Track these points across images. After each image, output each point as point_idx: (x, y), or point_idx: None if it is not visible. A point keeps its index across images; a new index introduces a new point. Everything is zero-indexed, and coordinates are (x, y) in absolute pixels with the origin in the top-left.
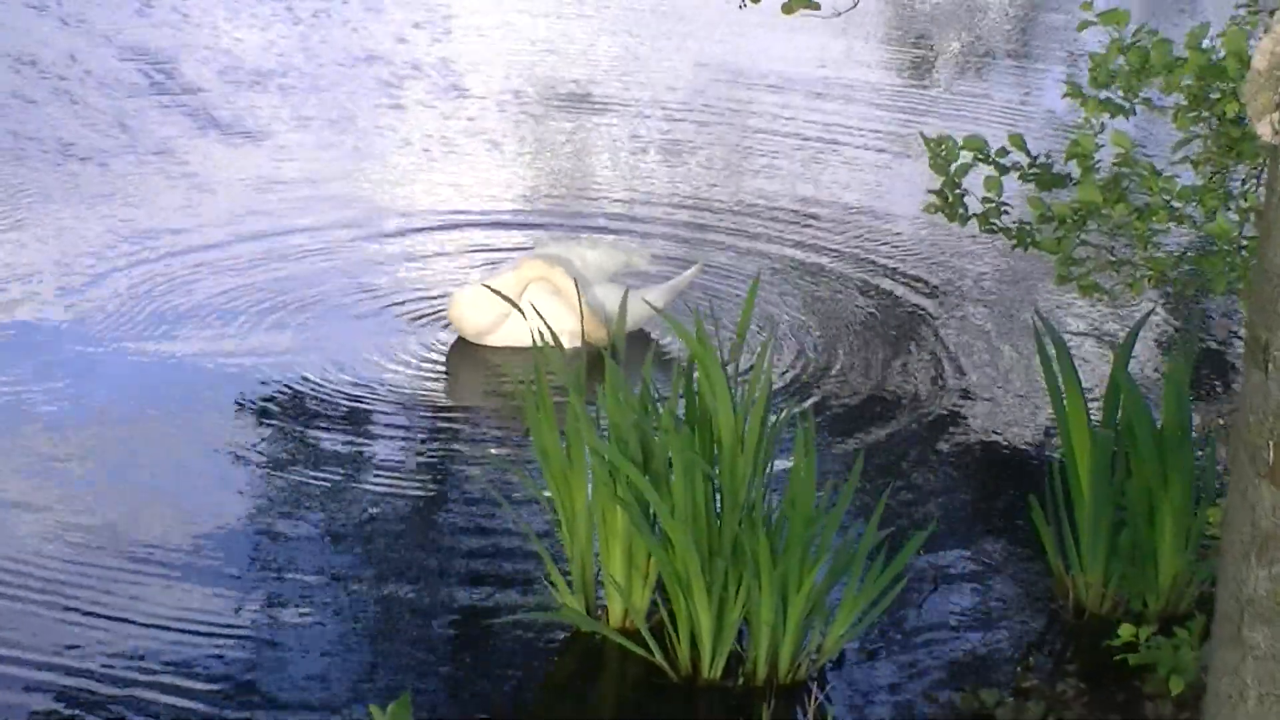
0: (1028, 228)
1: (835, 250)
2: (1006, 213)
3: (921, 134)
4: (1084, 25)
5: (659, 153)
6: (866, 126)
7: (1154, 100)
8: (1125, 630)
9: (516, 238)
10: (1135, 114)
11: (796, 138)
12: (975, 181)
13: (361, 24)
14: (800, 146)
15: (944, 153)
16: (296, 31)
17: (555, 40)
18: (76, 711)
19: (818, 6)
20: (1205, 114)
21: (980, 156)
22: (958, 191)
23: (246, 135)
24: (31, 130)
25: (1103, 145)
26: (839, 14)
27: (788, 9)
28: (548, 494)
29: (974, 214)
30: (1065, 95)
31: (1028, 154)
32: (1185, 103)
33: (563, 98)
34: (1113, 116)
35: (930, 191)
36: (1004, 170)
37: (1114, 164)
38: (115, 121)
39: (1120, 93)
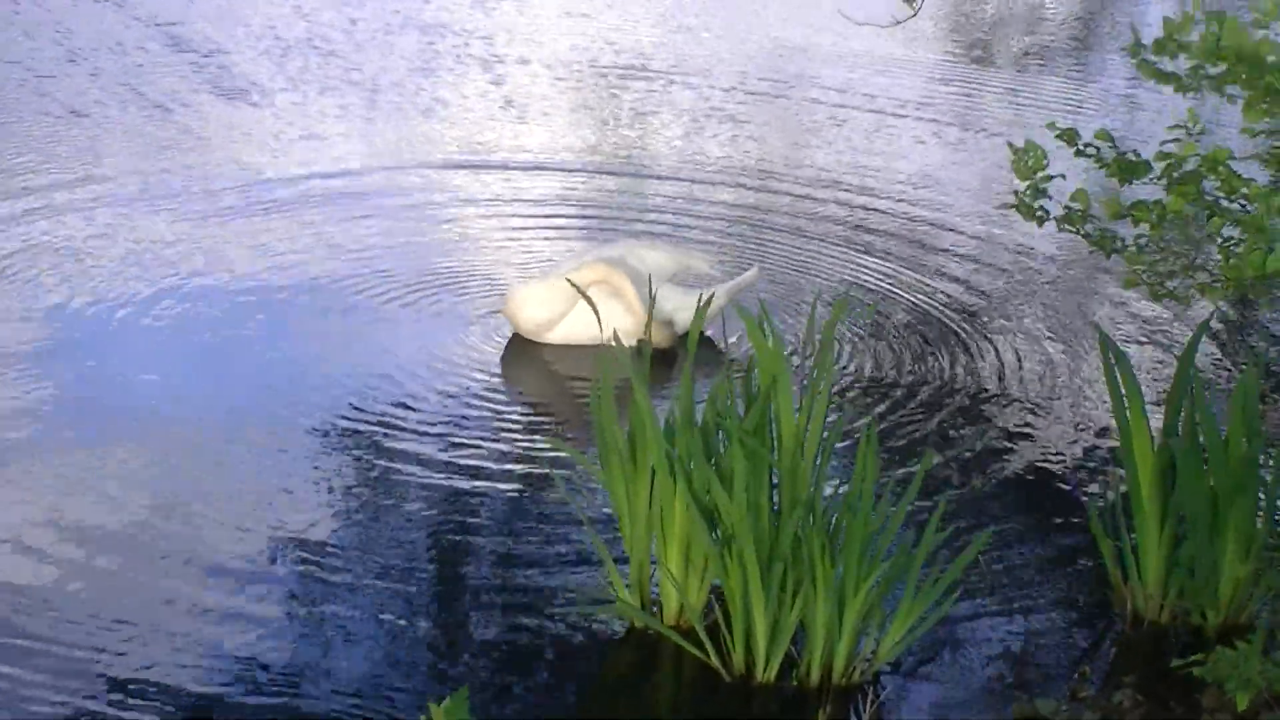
0: (1110, 234)
1: (892, 250)
2: (1092, 219)
3: (1009, 144)
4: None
5: (698, 120)
6: (925, 101)
7: (1228, 89)
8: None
9: (534, 194)
10: (1199, 92)
11: (854, 110)
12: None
13: None
14: (856, 120)
15: (1030, 160)
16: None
17: (610, 15)
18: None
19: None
20: (1276, 112)
21: (1077, 149)
22: (1040, 197)
23: (269, 99)
24: (65, 95)
25: (1199, 154)
26: (899, 22)
27: None
28: (608, 491)
29: (1055, 216)
30: (1128, 53)
31: (1114, 147)
32: (1254, 94)
33: (612, 69)
34: (1177, 91)
35: (1014, 193)
36: (1100, 161)
37: (1200, 169)
38: (155, 99)
39: (1185, 69)
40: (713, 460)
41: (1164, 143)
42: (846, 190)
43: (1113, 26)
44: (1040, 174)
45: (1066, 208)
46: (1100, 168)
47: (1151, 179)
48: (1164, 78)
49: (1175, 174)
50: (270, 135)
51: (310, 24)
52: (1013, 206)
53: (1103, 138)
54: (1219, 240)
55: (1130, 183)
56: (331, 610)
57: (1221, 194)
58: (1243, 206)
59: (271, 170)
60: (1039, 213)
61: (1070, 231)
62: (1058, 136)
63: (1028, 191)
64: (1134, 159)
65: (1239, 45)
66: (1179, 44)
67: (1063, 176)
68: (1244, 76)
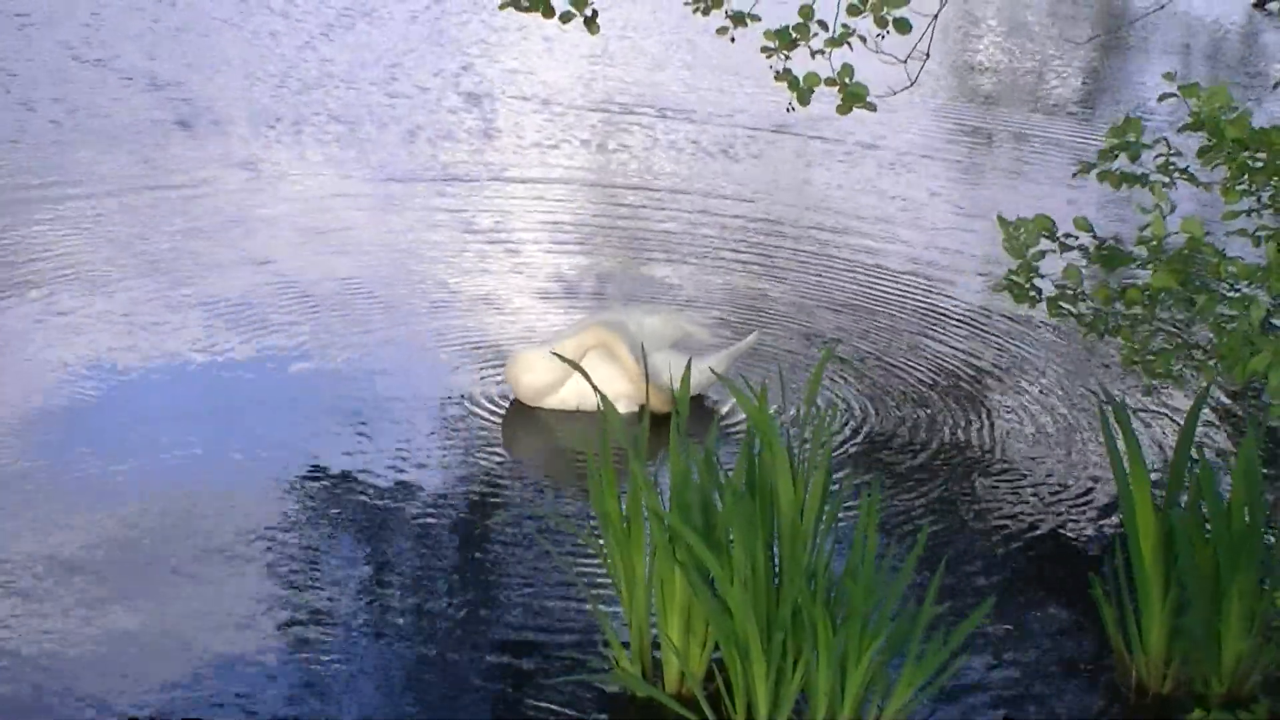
0: (1104, 315)
1: (892, 300)
2: (1083, 299)
3: (999, 216)
4: (1164, 97)
5: (672, 151)
6: (922, 145)
7: (1199, 175)
8: (1197, 714)
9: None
10: (1175, 187)
11: (850, 146)
12: (1045, 263)
13: (389, 29)
14: (857, 167)
15: (1021, 236)
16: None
17: (602, 58)
18: None
19: (874, 108)
20: (1253, 187)
21: (1048, 235)
22: (1032, 276)
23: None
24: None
25: (1174, 233)
26: (894, 93)
27: (843, 109)
28: (607, 558)
29: (1047, 297)
30: (1076, 174)
31: (1094, 236)
32: (1230, 174)
33: (606, 108)
34: (1148, 189)
35: (1010, 273)
36: (1066, 248)
37: (1184, 250)
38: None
39: (1155, 166)
40: (710, 526)
41: (1142, 228)
42: (843, 234)
43: (1119, 85)
44: (1032, 250)
45: (1058, 287)
46: (1091, 260)
47: (1140, 264)
48: (1130, 180)
49: (1161, 255)
50: (251, 170)
51: (314, 67)
52: (1004, 288)
53: (1081, 226)
54: (1210, 318)
55: (1113, 270)
56: (324, 671)
57: (1208, 276)
58: (1232, 285)
59: (262, 207)
60: (1031, 294)
61: (1063, 314)
62: (1044, 233)
63: (1019, 271)
64: (1116, 247)
65: (1216, 121)
66: (1126, 145)
67: (1055, 251)
68: (1227, 154)
